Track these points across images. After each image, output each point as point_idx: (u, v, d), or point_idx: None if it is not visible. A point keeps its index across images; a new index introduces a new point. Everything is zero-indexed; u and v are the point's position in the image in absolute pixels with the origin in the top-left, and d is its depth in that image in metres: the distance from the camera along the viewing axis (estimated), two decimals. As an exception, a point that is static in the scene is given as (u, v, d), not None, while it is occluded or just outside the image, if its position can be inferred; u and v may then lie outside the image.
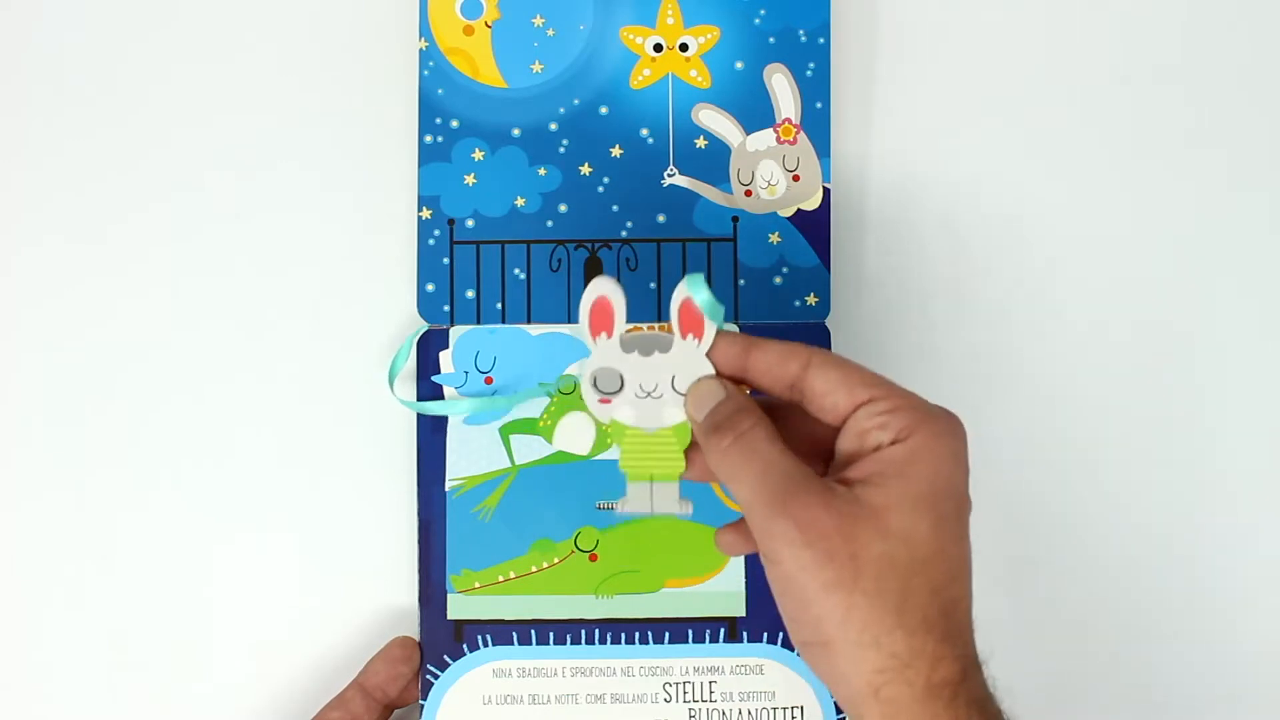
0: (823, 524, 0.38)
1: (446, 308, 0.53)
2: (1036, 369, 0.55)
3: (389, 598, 0.53)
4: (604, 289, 0.44)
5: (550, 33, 0.54)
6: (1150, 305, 0.56)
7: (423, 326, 0.53)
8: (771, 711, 0.52)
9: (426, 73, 0.54)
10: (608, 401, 0.45)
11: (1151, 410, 0.55)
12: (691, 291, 0.43)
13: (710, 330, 0.43)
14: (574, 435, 0.53)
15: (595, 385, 0.45)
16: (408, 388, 0.54)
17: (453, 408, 0.52)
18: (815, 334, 0.54)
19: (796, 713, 0.52)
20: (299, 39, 0.56)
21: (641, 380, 0.45)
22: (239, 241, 0.55)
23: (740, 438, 0.41)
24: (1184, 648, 0.54)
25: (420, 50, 0.54)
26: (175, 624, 0.54)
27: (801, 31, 0.54)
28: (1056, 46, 0.56)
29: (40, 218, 0.55)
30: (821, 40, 0.54)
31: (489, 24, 0.54)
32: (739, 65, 0.54)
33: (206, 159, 0.56)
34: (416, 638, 0.52)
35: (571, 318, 0.54)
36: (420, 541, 0.52)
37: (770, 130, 0.54)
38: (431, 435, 0.53)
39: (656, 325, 0.46)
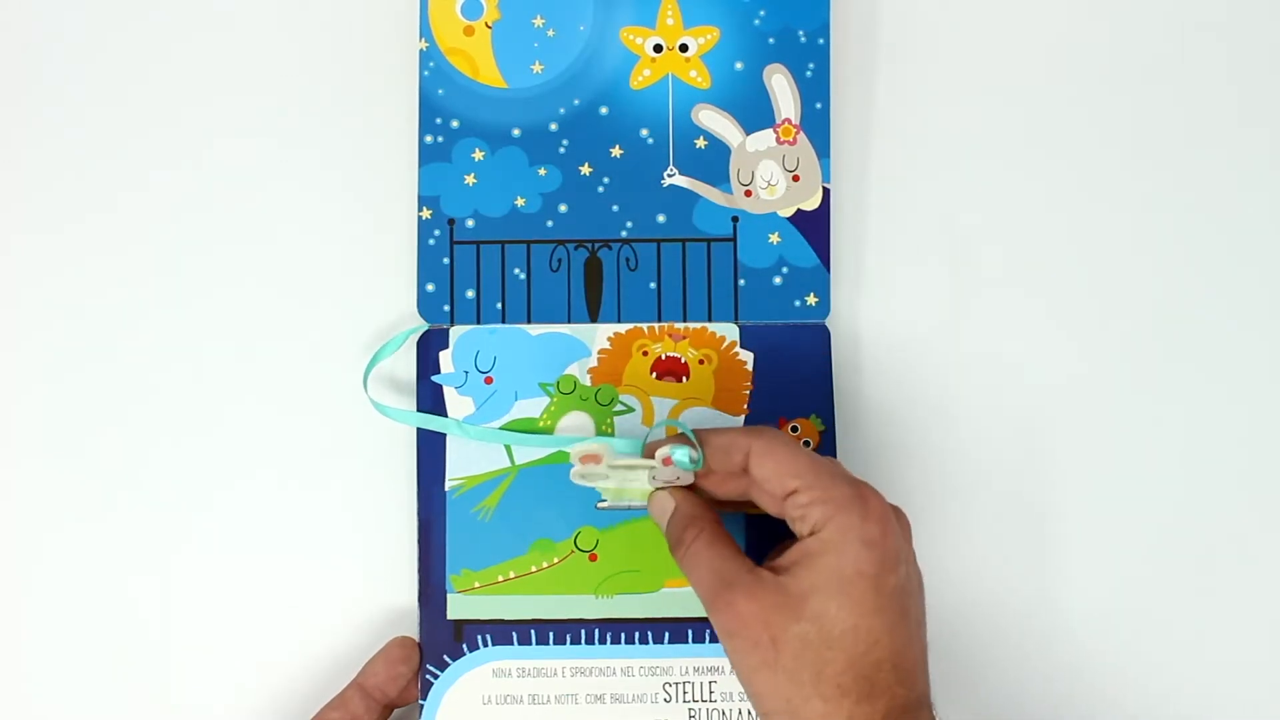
0: (747, 615, 0.45)
1: (446, 308, 0.53)
2: (1036, 368, 0.55)
3: (389, 598, 0.53)
4: (592, 449, 0.48)
5: (550, 33, 0.54)
6: (1151, 304, 0.56)
7: (421, 326, 0.53)
8: (771, 711, 0.52)
9: (427, 73, 0.54)
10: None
11: (1153, 410, 0.55)
12: (673, 454, 0.48)
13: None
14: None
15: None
16: (406, 388, 0.54)
17: (413, 419, 0.53)
18: (815, 334, 0.54)
19: (796, 713, 0.52)
20: (299, 39, 0.56)
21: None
22: (239, 242, 0.55)
23: (686, 550, 0.47)
24: (1186, 653, 0.55)
25: (420, 50, 0.54)
26: (175, 624, 0.54)
27: (801, 32, 0.54)
28: (1057, 45, 0.56)
29: (41, 227, 0.55)
30: (821, 41, 0.54)
31: (489, 24, 0.54)
32: (739, 66, 0.54)
33: (206, 159, 0.56)
34: (416, 638, 0.52)
35: (572, 318, 0.54)
36: (420, 541, 0.52)
37: (770, 130, 0.54)
38: (432, 435, 0.53)
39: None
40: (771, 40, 0.54)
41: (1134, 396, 0.55)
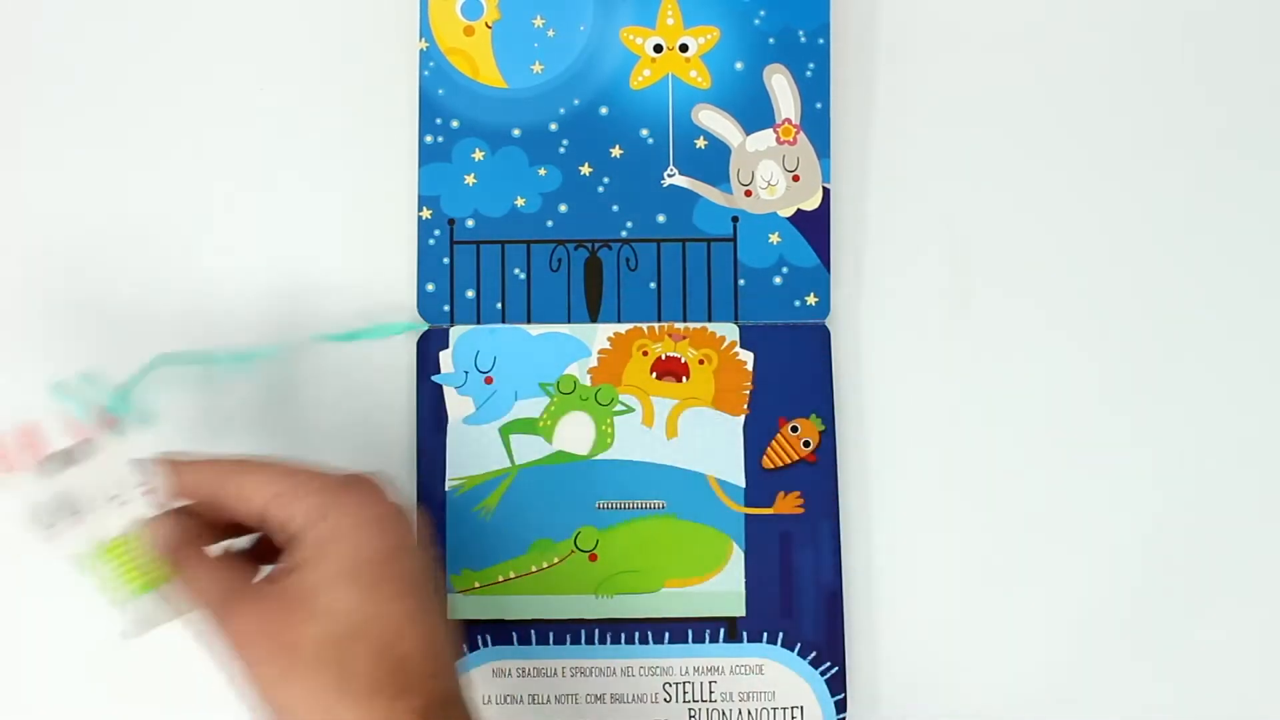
0: (254, 625, 0.42)
1: (446, 308, 0.53)
2: (1036, 368, 0.55)
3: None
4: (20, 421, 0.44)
5: (550, 33, 0.54)
6: (1151, 304, 0.56)
7: (421, 326, 0.53)
8: (771, 711, 0.52)
9: (427, 73, 0.54)
10: (53, 534, 0.44)
11: (1152, 410, 0.55)
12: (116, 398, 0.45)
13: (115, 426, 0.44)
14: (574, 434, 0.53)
15: (38, 520, 0.44)
16: (406, 387, 0.53)
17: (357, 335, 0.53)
18: (815, 334, 0.54)
19: (796, 713, 0.52)
20: (299, 39, 0.56)
21: (78, 498, 0.44)
22: (239, 242, 0.55)
23: (181, 571, 0.44)
24: (1184, 650, 0.55)
25: (420, 50, 0.54)
26: (175, 624, 0.53)
27: (801, 32, 0.54)
28: (1057, 45, 0.56)
29: (38, 225, 0.55)
30: (821, 41, 0.54)
31: (489, 24, 0.54)
32: (739, 66, 0.54)
33: (206, 159, 0.56)
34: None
35: (572, 318, 0.54)
36: (420, 541, 0.52)
37: (770, 130, 0.54)
38: (432, 435, 0.53)
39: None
40: (771, 40, 0.54)
41: (1133, 396, 0.55)
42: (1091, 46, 0.56)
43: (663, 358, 0.54)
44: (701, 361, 0.54)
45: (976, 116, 0.56)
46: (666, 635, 0.52)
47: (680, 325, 0.54)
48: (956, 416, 0.55)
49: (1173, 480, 0.55)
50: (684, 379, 0.53)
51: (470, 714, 0.43)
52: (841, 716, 0.52)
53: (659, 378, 0.53)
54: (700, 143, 0.54)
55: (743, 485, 0.53)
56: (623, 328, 0.54)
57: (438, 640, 0.43)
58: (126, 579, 0.45)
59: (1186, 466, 0.55)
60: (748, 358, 0.54)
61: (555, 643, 0.52)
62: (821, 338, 0.54)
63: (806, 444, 0.53)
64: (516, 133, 0.54)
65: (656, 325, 0.54)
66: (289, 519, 0.43)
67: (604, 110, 0.54)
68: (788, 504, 0.53)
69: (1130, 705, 0.54)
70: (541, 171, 0.54)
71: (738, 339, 0.54)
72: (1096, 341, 0.55)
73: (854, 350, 0.55)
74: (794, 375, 0.53)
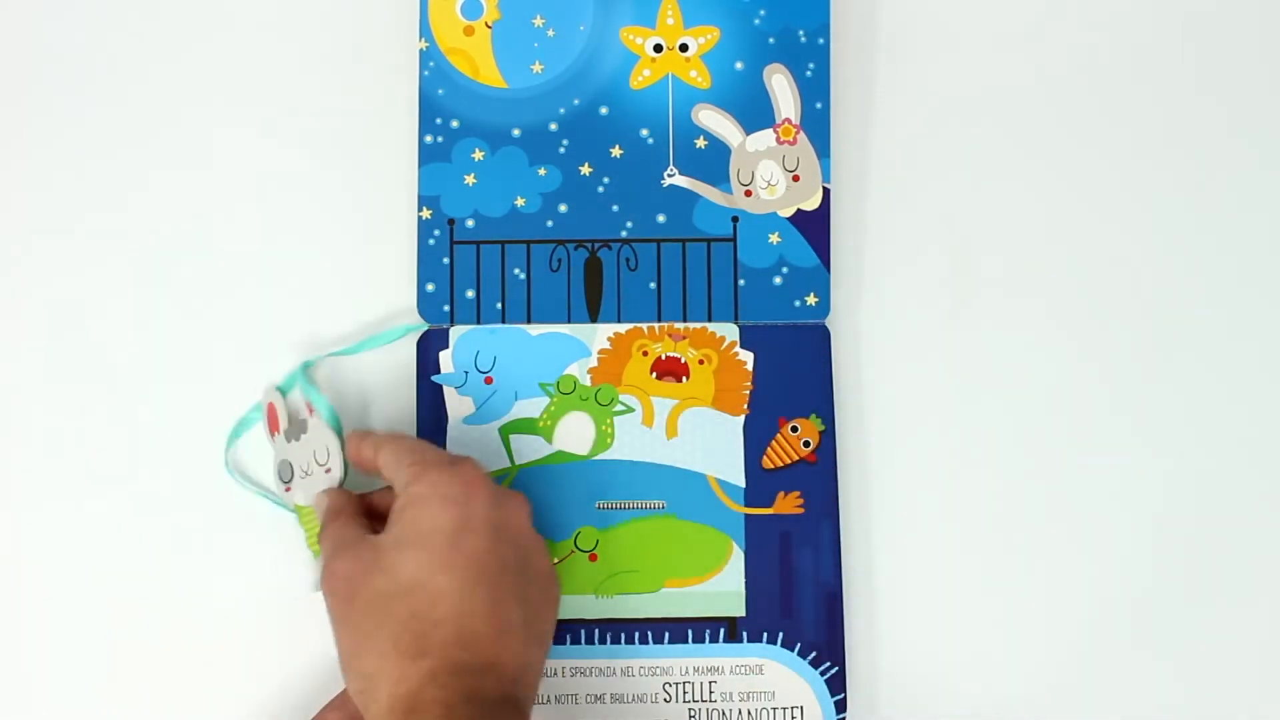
0: (339, 573, 0.46)
1: (446, 308, 0.53)
2: (1036, 367, 0.55)
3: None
4: (271, 397, 0.53)
5: (550, 33, 0.54)
6: (1150, 304, 0.56)
7: (421, 326, 0.53)
8: (771, 711, 0.52)
9: (427, 73, 0.54)
10: (290, 489, 0.53)
11: (1154, 409, 0.55)
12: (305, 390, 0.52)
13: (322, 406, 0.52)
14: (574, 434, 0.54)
15: (279, 476, 0.53)
16: (406, 387, 0.54)
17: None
18: (815, 334, 0.54)
19: (796, 713, 0.52)
20: (299, 38, 0.56)
21: (297, 462, 0.53)
22: (240, 241, 0.55)
23: (324, 531, 0.49)
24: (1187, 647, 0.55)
25: (420, 50, 0.54)
26: (175, 624, 0.54)
27: (801, 32, 0.54)
28: (1056, 45, 0.57)
29: (42, 228, 0.55)
30: (821, 41, 0.54)
31: (489, 24, 0.54)
32: (739, 65, 0.54)
33: (205, 159, 0.56)
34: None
35: (572, 318, 0.54)
36: (420, 541, 0.52)
37: (770, 130, 0.54)
38: (432, 435, 0.53)
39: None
40: (771, 40, 0.54)
41: (1133, 395, 0.55)
42: (1091, 47, 0.56)
43: (663, 358, 0.54)
44: (701, 361, 0.54)
45: (976, 116, 0.56)
46: (666, 635, 0.52)
47: (680, 325, 0.54)
48: (956, 416, 0.55)
49: (1173, 479, 0.55)
50: (684, 379, 0.54)
51: (487, 685, 0.43)
52: (841, 716, 0.52)
53: (659, 378, 0.53)
54: (700, 143, 0.54)
55: (743, 485, 0.53)
56: (623, 328, 0.54)
57: (488, 618, 0.44)
58: (314, 540, 0.52)
59: (1187, 466, 0.55)
60: (748, 358, 0.54)
61: (555, 643, 0.52)
62: (821, 338, 0.54)
63: (806, 444, 0.53)
64: (516, 133, 0.54)
65: (656, 325, 0.54)
66: (396, 483, 0.48)
67: (604, 110, 0.54)
68: (788, 504, 0.53)
69: (1129, 707, 0.54)
70: (541, 171, 0.54)
71: (738, 339, 0.54)
72: (1096, 341, 0.55)
73: (854, 350, 0.55)
74: (794, 375, 0.53)
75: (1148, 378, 0.55)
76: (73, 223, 0.55)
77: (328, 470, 0.52)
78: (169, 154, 0.56)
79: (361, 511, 0.50)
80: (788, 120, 0.54)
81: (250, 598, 0.54)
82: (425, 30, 0.54)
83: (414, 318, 0.54)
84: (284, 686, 0.53)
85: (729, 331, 0.54)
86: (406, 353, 0.54)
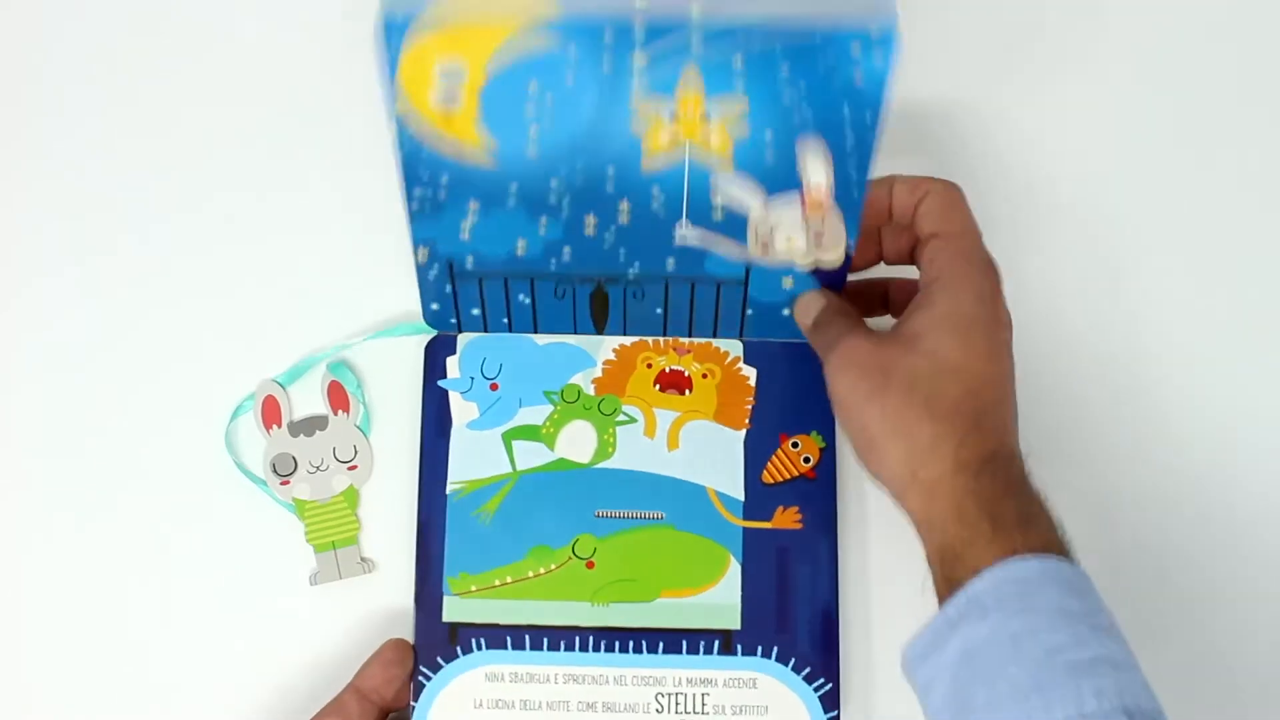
0: (860, 352, 0.47)
1: (453, 320, 0.54)
2: (1036, 379, 0.55)
3: (385, 599, 0.53)
4: (270, 390, 0.54)
5: (549, 99, 0.44)
6: (1151, 303, 0.57)
7: (429, 332, 0.54)
8: (764, 710, 0.51)
9: (404, 144, 0.45)
10: (287, 483, 0.53)
11: (1149, 416, 0.56)
12: (337, 376, 0.53)
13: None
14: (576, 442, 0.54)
15: (275, 470, 0.53)
16: (413, 391, 0.54)
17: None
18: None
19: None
20: (299, 38, 0.58)
21: (309, 458, 0.53)
22: (239, 241, 0.57)
23: (824, 328, 0.50)
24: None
25: (396, 118, 0.44)
26: (172, 626, 0.54)
27: (847, 105, 0.45)
28: (1056, 45, 0.58)
29: (37, 231, 0.57)
30: (869, 116, 0.45)
31: (476, 90, 0.44)
32: (768, 134, 0.45)
33: (206, 160, 0.57)
34: (411, 640, 0.52)
35: (578, 329, 0.54)
36: (419, 543, 0.52)
37: (795, 197, 0.48)
38: (436, 438, 0.53)
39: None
40: (808, 111, 0.45)
41: (1123, 408, 0.55)
42: (1090, 45, 0.58)
43: (666, 370, 0.54)
44: (705, 375, 0.54)
45: (976, 116, 0.58)
46: (661, 645, 0.52)
47: (685, 340, 0.54)
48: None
49: (1171, 487, 0.55)
50: (687, 392, 0.54)
51: (1021, 474, 0.45)
52: (832, 715, 0.51)
53: (662, 390, 0.54)
54: (717, 213, 0.49)
55: (742, 499, 0.53)
56: (628, 340, 0.54)
57: (1012, 404, 0.47)
58: (315, 535, 0.52)
59: (1186, 470, 0.55)
60: (750, 373, 0.54)
61: (550, 649, 0.52)
62: None
63: (806, 460, 0.53)
64: (513, 188, 0.47)
65: (661, 339, 0.54)
66: (930, 263, 0.48)
67: (610, 170, 0.47)
68: (786, 519, 0.53)
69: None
70: (542, 222, 0.49)
71: (741, 355, 0.54)
72: (1097, 344, 0.56)
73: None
74: (796, 392, 0.54)
75: (1149, 375, 0.56)
76: (72, 225, 0.57)
77: (352, 467, 0.53)
78: (168, 155, 0.57)
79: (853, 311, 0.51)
80: (819, 187, 0.47)
81: (250, 594, 0.54)
82: (396, 99, 0.44)
83: (420, 318, 0.54)
84: (284, 684, 0.53)
85: (733, 347, 0.54)
86: (413, 356, 0.55)
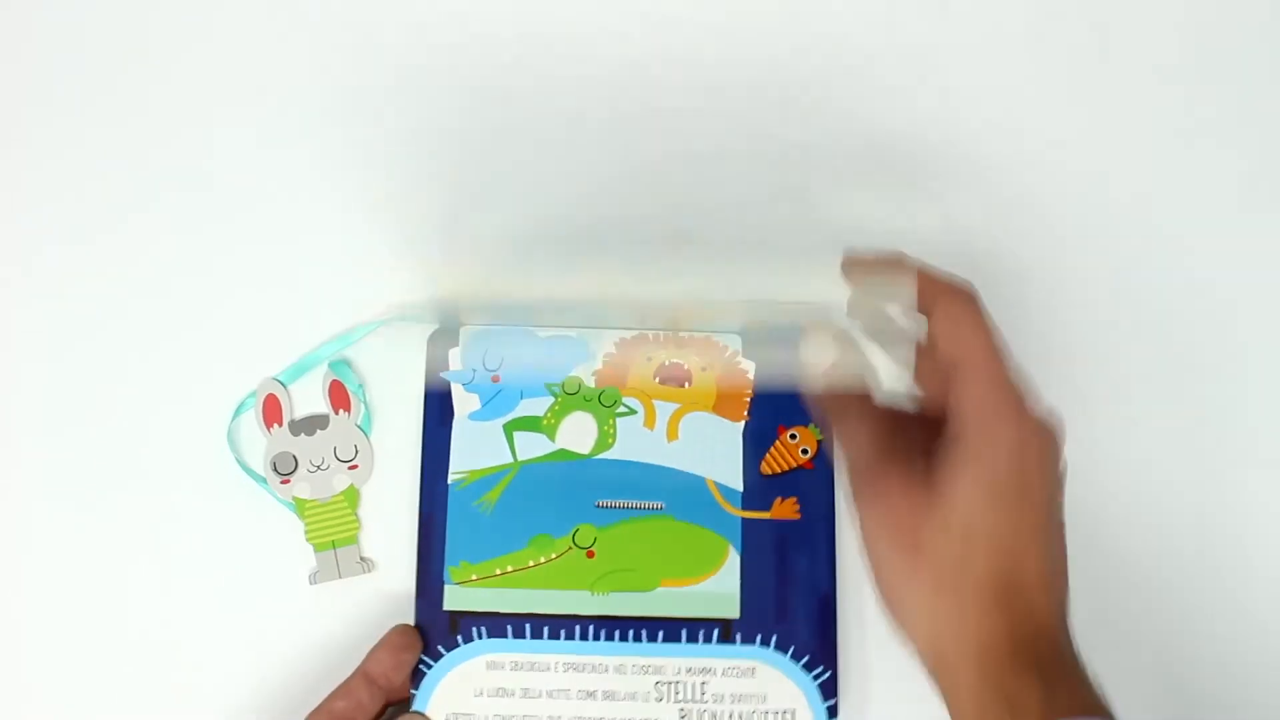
0: (897, 512, 0.43)
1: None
2: (1037, 374, 0.56)
3: (388, 586, 0.53)
4: (271, 389, 0.54)
5: None
6: (1151, 302, 0.57)
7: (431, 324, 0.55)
8: (763, 714, 0.52)
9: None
10: (287, 482, 0.54)
11: (1149, 413, 0.56)
12: (338, 375, 0.53)
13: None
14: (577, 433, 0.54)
15: (275, 469, 0.54)
16: (415, 382, 0.55)
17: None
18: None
19: (788, 716, 0.52)
20: (300, 37, 0.59)
21: (310, 457, 0.53)
22: (240, 239, 0.57)
23: (846, 418, 0.47)
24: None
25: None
26: (170, 624, 0.54)
27: None
28: (1054, 47, 0.59)
29: (37, 231, 0.57)
30: None
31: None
32: None
33: (206, 159, 0.58)
34: (414, 627, 0.52)
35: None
36: (420, 532, 0.53)
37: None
38: (437, 428, 0.54)
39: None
40: None
41: (1126, 405, 0.56)
42: (1086, 48, 0.59)
43: (666, 364, 0.55)
44: (704, 369, 0.55)
45: (974, 117, 0.58)
46: (660, 634, 0.52)
47: (685, 334, 0.55)
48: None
49: (1171, 484, 0.55)
50: (686, 385, 0.55)
51: (1070, 648, 0.43)
52: (830, 707, 0.52)
53: (662, 383, 0.55)
54: None
55: (740, 489, 0.53)
56: (628, 334, 0.55)
57: (1050, 576, 0.43)
58: (315, 534, 0.53)
59: (1186, 470, 0.55)
60: (749, 366, 0.55)
61: (549, 637, 0.52)
62: None
63: (805, 452, 0.54)
64: None
65: (661, 333, 0.55)
66: (956, 410, 0.43)
67: None
68: (785, 509, 0.53)
69: (1125, 712, 0.53)
70: None
71: (740, 349, 0.55)
72: (1097, 342, 0.56)
73: (853, 359, 0.56)
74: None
75: (1150, 375, 0.56)
76: (78, 229, 0.57)
77: (352, 467, 0.53)
78: (169, 157, 0.58)
79: (888, 429, 0.46)
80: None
81: (249, 593, 0.54)
82: None
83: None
84: (282, 683, 0.53)
85: (732, 341, 0.55)
86: (415, 357, 0.55)
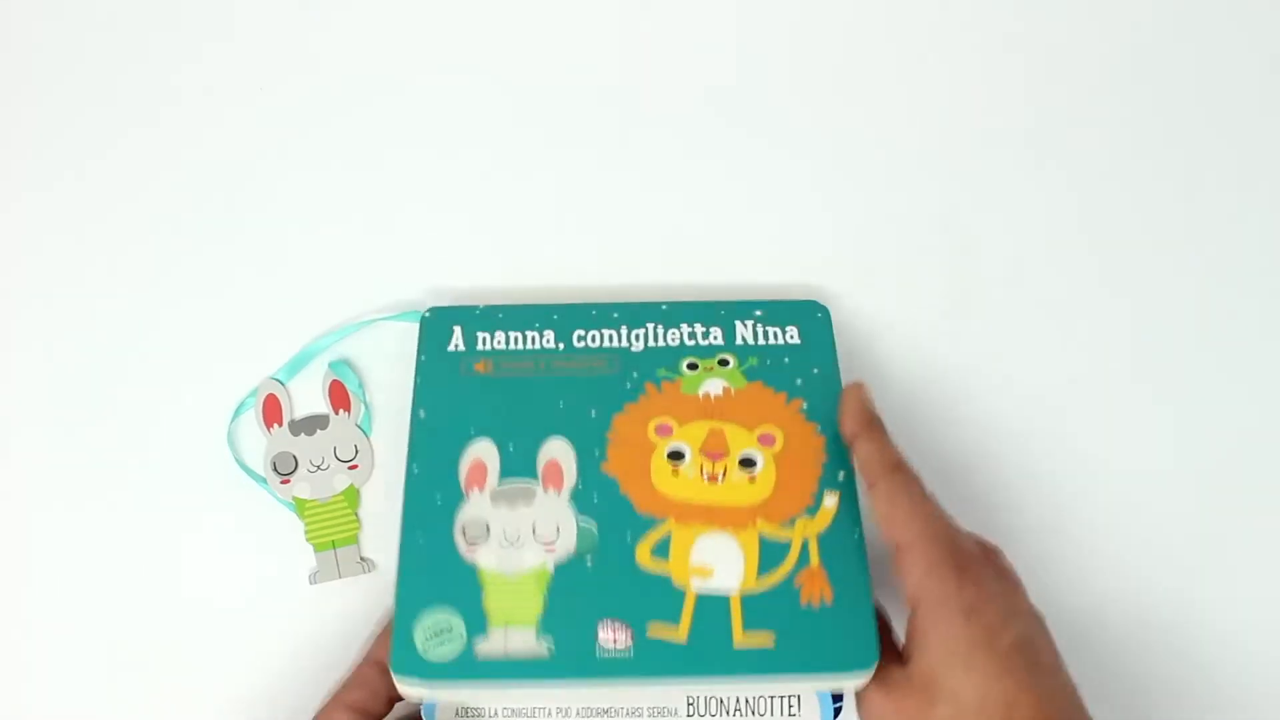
0: (881, 710, 0.45)
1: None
2: (1037, 369, 0.56)
3: (385, 598, 0.53)
4: (271, 389, 0.54)
5: None
6: (1152, 303, 0.57)
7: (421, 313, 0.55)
8: (769, 700, 0.51)
9: None
10: (288, 482, 0.53)
11: (1155, 410, 0.56)
12: (338, 375, 0.53)
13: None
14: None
15: (276, 469, 0.54)
16: (406, 365, 0.55)
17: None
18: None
19: (794, 702, 0.51)
20: (299, 36, 0.59)
21: (310, 457, 0.54)
22: (241, 239, 0.57)
23: None
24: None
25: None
26: (170, 624, 0.53)
27: None
28: (1054, 46, 0.59)
29: (37, 230, 0.58)
30: None
31: None
32: None
33: (205, 159, 0.58)
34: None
35: None
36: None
37: None
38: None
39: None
40: None
41: (1134, 398, 0.55)
42: (1087, 47, 0.59)
43: None
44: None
45: (974, 117, 0.58)
46: None
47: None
48: (952, 421, 0.55)
49: (1175, 482, 0.55)
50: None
51: None
52: (837, 706, 0.51)
53: None
54: None
55: None
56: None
57: (1053, 696, 0.44)
58: (314, 534, 0.53)
59: (1189, 468, 0.55)
60: None
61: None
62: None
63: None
64: None
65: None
66: (903, 584, 0.45)
67: None
68: None
69: (1126, 713, 0.53)
70: None
71: None
72: (1097, 340, 0.56)
73: (863, 339, 0.56)
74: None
75: (1151, 376, 0.56)
76: (77, 224, 0.58)
77: (352, 466, 0.53)
78: (168, 154, 0.58)
79: None
80: None
81: (249, 593, 0.54)
82: None
83: (422, 306, 0.55)
84: (282, 682, 0.53)
85: None
86: (410, 337, 0.55)
